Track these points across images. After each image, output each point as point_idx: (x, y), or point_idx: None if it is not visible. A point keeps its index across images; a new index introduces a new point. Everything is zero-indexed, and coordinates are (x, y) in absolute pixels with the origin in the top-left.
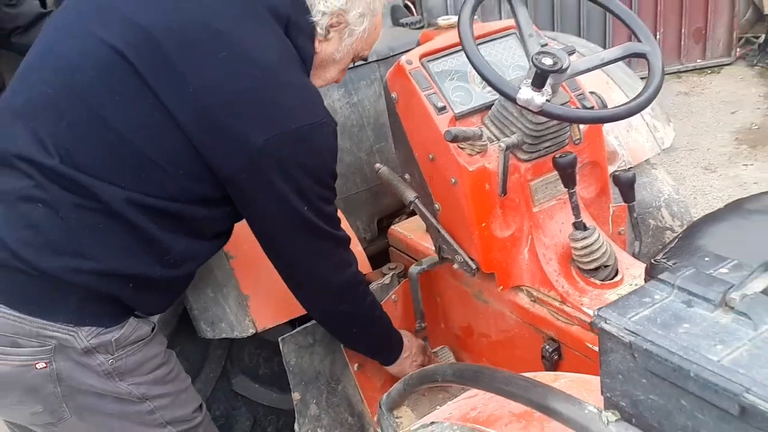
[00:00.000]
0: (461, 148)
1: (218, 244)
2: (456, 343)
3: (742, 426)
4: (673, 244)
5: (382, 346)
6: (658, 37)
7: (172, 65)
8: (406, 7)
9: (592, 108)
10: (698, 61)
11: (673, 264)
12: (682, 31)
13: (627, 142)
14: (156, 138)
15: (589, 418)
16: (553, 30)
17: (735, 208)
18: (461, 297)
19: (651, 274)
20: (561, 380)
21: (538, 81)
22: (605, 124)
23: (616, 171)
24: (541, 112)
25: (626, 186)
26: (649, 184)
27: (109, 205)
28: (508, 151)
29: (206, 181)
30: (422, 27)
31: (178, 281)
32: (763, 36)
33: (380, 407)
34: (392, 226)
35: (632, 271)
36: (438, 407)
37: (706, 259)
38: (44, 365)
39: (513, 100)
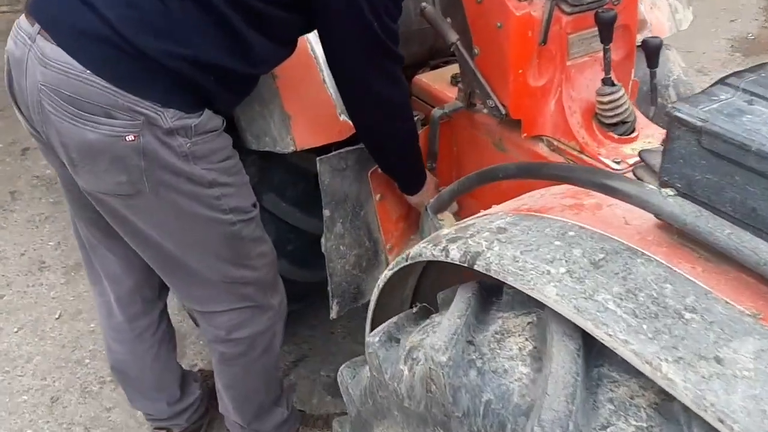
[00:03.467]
0: None
1: (287, 52)
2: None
3: None
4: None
5: (413, 172)
6: None
7: None
8: None
9: None
10: None
11: None
12: None
13: (649, 18)
14: None
15: (649, 193)
16: None
17: None
18: (479, 146)
19: None
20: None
21: None
22: None
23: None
24: None
25: (653, 51)
26: (661, 63)
27: None
28: (554, 1)
29: None
30: None
31: (250, 81)
32: None
33: (426, 210)
34: (416, 76)
35: (647, 131)
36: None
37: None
38: (133, 138)
39: None
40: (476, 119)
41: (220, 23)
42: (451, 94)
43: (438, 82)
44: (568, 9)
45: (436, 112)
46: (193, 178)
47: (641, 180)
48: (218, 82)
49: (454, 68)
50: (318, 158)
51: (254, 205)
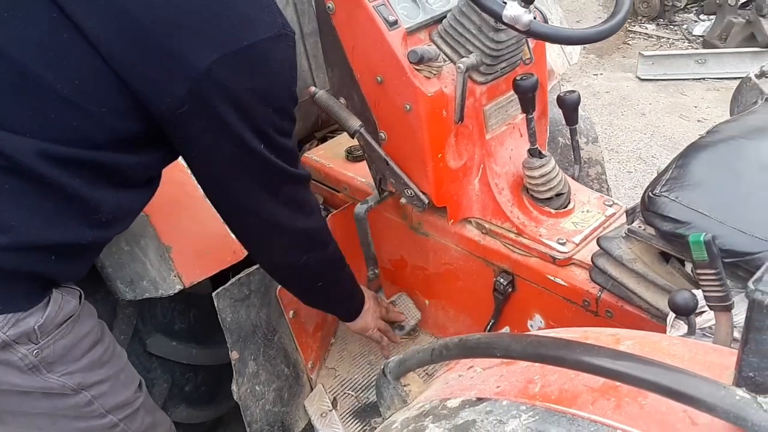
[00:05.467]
0: (418, 70)
1: (152, 190)
2: (384, 276)
3: None
4: (667, 176)
5: (349, 297)
6: None
7: None
8: None
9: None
10: None
11: (676, 198)
12: None
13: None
14: (65, 66)
15: (743, 405)
16: None
17: (717, 132)
18: (394, 229)
19: (649, 208)
20: (626, 342)
21: None
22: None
23: (559, 93)
24: (528, 32)
25: (571, 108)
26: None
27: (13, 159)
28: (467, 73)
29: (135, 119)
30: None
31: (109, 241)
32: None
33: (384, 374)
34: (305, 154)
35: (580, 197)
36: (450, 369)
37: None
38: None
39: (498, 17)
40: (386, 201)
41: (44, 189)
42: (351, 173)
43: (332, 159)
44: (480, 79)
45: (360, 208)
46: (50, 391)
47: (603, 270)
48: (63, 260)
49: (345, 139)
50: (214, 294)
51: (140, 386)
